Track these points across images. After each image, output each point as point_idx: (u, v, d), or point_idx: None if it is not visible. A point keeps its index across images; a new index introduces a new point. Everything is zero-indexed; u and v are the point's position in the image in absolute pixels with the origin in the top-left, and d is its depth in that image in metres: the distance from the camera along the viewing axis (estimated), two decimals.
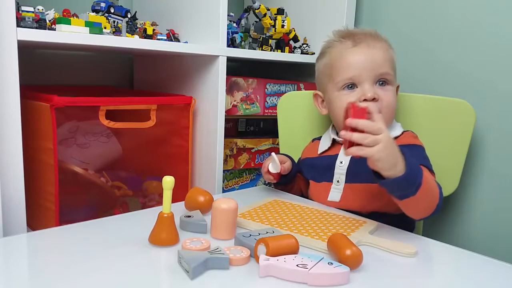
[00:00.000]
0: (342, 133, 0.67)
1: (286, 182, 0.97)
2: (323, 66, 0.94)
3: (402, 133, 0.89)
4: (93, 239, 0.67)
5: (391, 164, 0.66)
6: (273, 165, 0.88)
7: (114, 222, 0.76)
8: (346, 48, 0.89)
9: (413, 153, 0.83)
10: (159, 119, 1.00)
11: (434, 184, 0.75)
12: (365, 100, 0.84)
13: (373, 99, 0.84)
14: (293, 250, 0.60)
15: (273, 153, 0.87)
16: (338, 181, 0.89)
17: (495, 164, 1.03)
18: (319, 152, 0.94)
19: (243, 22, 1.19)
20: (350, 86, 0.87)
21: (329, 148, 0.93)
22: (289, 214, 0.80)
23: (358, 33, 0.89)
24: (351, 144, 0.66)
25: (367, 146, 0.65)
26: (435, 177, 0.83)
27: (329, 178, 0.90)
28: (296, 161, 1.00)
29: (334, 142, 0.93)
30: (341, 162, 0.89)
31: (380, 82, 0.87)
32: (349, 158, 0.88)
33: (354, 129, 0.66)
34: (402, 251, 0.67)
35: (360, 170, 0.86)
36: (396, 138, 0.87)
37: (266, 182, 1.30)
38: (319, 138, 0.99)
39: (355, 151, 0.66)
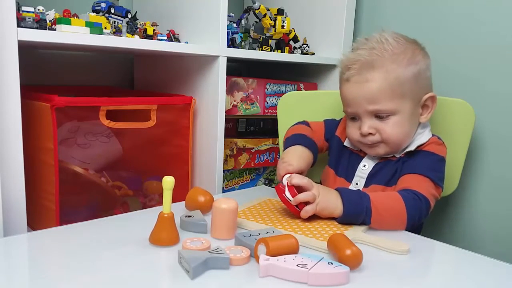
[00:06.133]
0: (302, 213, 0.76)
1: None
2: None
3: (429, 139, 0.86)
4: (94, 239, 0.67)
5: (330, 211, 0.76)
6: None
7: (114, 222, 0.77)
8: (343, 82, 0.87)
9: (420, 161, 0.83)
10: (159, 119, 1.00)
11: (394, 203, 0.76)
12: (362, 134, 0.85)
13: (370, 134, 0.84)
14: (293, 250, 0.61)
15: (285, 180, 0.80)
16: (357, 183, 0.89)
17: (495, 164, 1.03)
18: (344, 144, 0.94)
19: (243, 22, 1.19)
20: (353, 117, 0.88)
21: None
22: (284, 214, 0.80)
23: (355, 62, 0.84)
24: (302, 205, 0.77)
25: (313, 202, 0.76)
26: (438, 190, 0.82)
27: (347, 176, 0.91)
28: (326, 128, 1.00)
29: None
30: (364, 166, 0.89)
31: (378, 116, 0.84)
32: (373, 163, 0.88)
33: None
34: (394, 248, 0.67)
35: (379, 174, 0.87)
36: (420, 146, 0.85)
37: (266, 182, 1.30)
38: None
39: (305, 213, 0.76)
